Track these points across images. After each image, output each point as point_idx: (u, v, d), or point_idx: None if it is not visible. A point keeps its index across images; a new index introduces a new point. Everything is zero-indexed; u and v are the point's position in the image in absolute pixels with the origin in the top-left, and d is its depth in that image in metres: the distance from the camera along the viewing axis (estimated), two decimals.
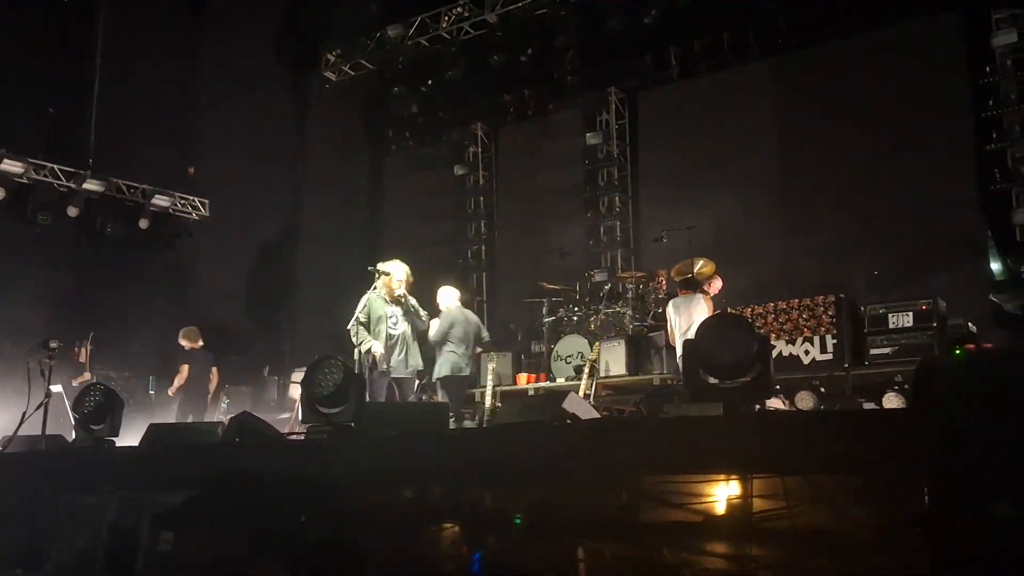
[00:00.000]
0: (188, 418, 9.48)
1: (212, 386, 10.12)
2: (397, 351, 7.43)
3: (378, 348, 7.25)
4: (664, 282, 9.63)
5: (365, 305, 7.37)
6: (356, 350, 7.29)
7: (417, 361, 7.62)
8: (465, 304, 8.65)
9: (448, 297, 8.35)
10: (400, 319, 7.52)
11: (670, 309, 8.08)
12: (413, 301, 7.56)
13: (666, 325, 8.33)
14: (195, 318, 10.60)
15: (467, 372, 8.18)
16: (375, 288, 7.47)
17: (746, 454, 3.26)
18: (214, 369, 10.12)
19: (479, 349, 8.43)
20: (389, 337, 7.41)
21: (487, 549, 3.84)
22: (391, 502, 4.06)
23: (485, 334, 8.45)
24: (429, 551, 3.99)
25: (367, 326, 7.34)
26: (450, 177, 13.88)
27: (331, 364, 4.46)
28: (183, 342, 10.01)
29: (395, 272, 7.43)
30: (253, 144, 12.62)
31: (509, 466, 3.83)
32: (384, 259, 7.66)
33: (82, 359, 9.97)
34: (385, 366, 7.32)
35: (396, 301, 7.46)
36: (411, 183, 14.38)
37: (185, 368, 9.78)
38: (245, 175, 12.64)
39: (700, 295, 8.01)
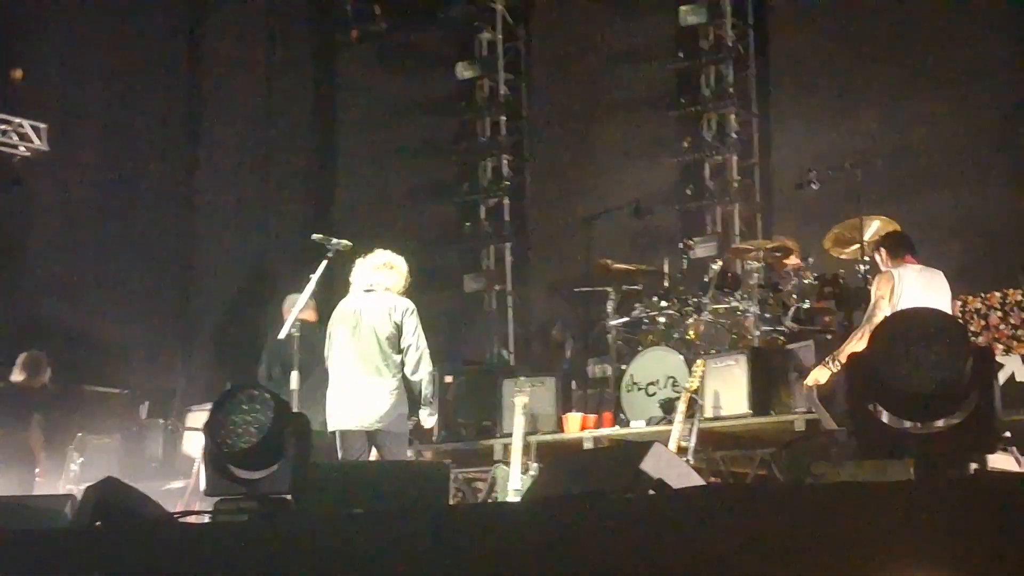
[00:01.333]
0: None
1: (35, 437, 10.33)
2: None
3: None
4: (810, 259, 9.61)
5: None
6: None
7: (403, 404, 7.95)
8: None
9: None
10: None
11: (885, 287, 7.94)
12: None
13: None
14: (21, 321, 10.77)
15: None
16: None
17: (955, 546, 3.25)
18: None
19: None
20: None
21: None
22: None
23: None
24: None
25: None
26: (451, 84, 13.94)
27: (253, 398, 4.50)
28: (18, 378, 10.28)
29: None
30: (119, 38, 12.78)
31: (553, 569, 3.85)
32: (340, 227, 7.82)
33: None
34: None
35: None
36: (383, 95, 14.46)
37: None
38: (106, 86, 12.78)
39: (881, 271, 7.93)
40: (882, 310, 7.53)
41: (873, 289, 7.80)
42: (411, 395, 8.05)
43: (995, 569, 3.21)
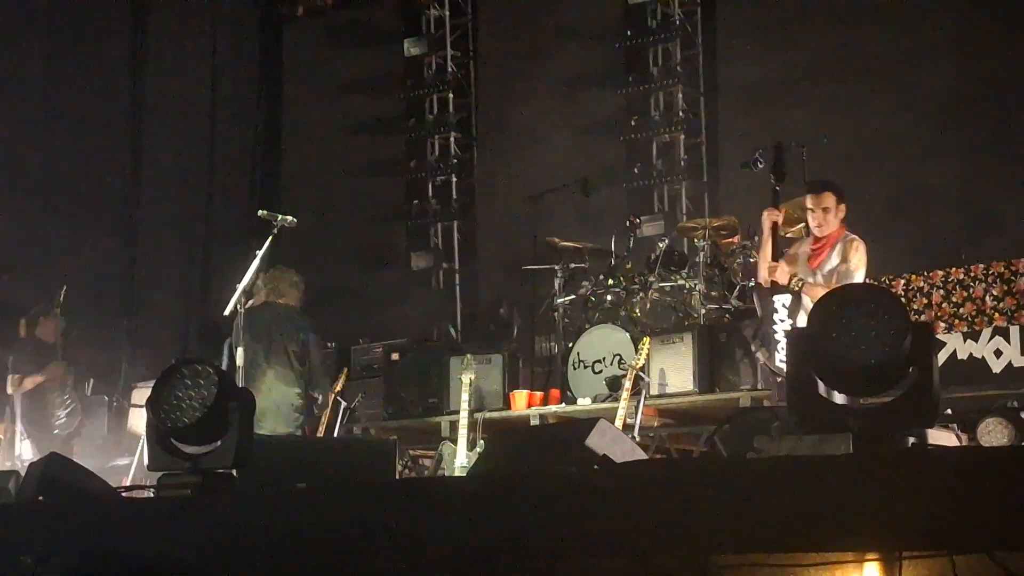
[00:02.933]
0: None
1: None
2: None
3: None
4: (757, 238, 9.67)
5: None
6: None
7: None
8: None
9: None
10: None
11: (863, 257, 7.86)
12: None
13: (767, 303, 8.35)
14: None
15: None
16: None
17: (892, 519, 3.30)
18: None
19: None
20: None
21: None
22: None
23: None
24: None
25: None
26: (398, 60, 13.90)
27: (196, 373, 4.50)
28: None
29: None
30: (60, 7, 12.63)
31: (498, 543, 3.87)
32: (286, 204, 7.83)
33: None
34: None
35: None
36: (329, 71, 14.39)
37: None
38: (47, 57, 12.63)
39: (853, 238, 7.82)
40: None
41: (849, 254, 7.61)
42: None
43: (931, 541, 3.26)
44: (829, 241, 7.64)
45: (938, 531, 3.24)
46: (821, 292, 7.17)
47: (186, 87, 14.37)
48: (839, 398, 3.97)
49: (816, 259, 7.67)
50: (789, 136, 9.44)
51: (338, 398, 9.49)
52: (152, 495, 4.74)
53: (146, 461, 4.83)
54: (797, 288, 7.50)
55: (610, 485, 4.01)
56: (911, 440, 3.88)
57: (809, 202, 7.68)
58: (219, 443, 4.54)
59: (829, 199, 7.63)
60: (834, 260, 7.62)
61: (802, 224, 8.99)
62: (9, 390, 10.55)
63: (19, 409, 10.23)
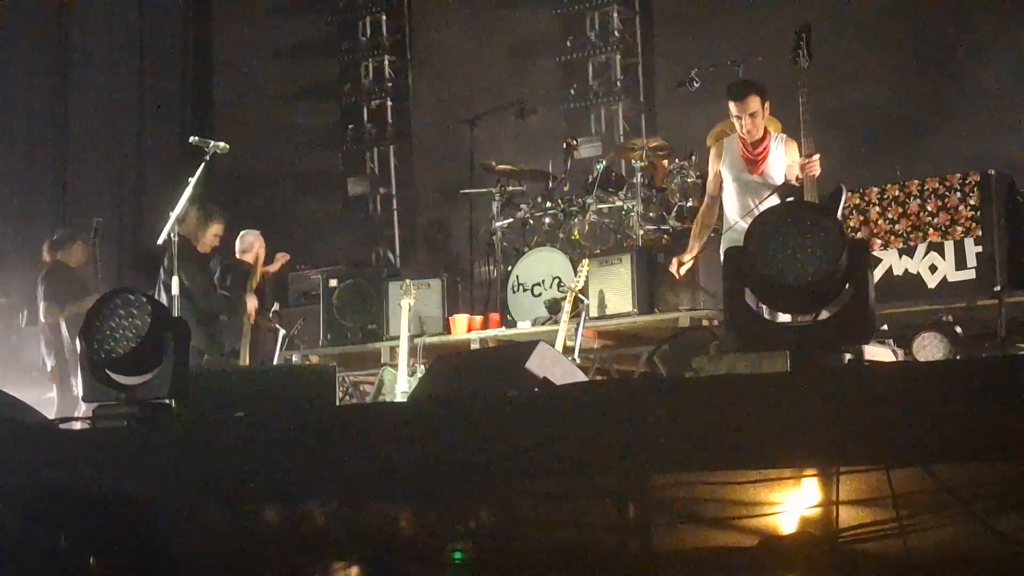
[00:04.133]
0: None
1: None
2: None
3: None
4: (693, 157, 9.68)
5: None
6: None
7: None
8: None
9: None
10: None
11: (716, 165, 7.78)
12: None
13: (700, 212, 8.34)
14: None
15: None
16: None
17: (829, 435, 3.34)
18: None
19: None
20: None
21: None
22: (240, 530, 4.11)
23: None
24: None
25: None
26: None
27: (130, 303, 4.45)
28: None
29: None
30: None
31: (440, 467, 3.88)
32: (219, 130, 7.75)
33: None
34: None
35: None
36: None
37: None
38: None
39: (785, 136, 7.57)
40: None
41: (793, 154, 7.41)
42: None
43: (868, 455, 3.30)
44: (765, 143, 7.48)
45: (874, 445, 3.28)
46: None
47: (114, 12, 14.09)
48: (776, 316, 4.00)
49: (760, 164, 7.47)
50: (722, 56, 9.47)
51: (276, 325, 9.45)
52: (86, 427, 4.70)
53: (80, 392, 4.78)
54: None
55: (550, 407, 4.03)
56: (848, 356, 3.92)
57: (734, 109, 7.45)
58: (154, 373, 4.51)
59: (754, 102, 7.43)
60: (780, 161, 7.45)
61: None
62: (43, 318, 10.24)
63: (67, 341, 10.06)
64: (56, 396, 9.77)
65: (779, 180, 7.38)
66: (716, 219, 7.78)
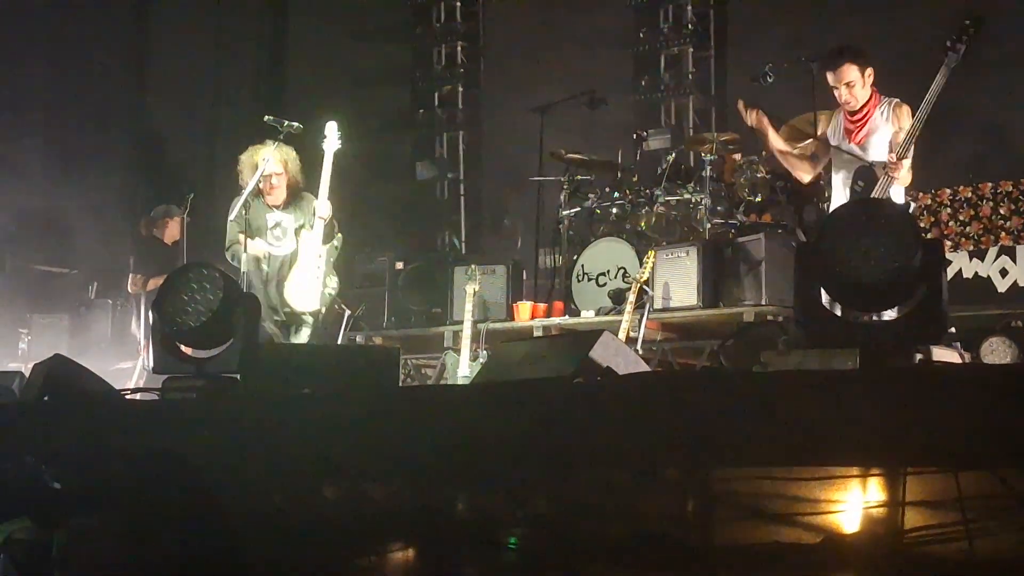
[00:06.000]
0: None
1: None
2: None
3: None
4: (764, 153, 9.61)
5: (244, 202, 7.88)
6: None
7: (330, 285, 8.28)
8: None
9: None
10: (290, 232, 8.19)
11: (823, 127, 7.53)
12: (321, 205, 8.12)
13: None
14: None
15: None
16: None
17: (897, 435, 3.29)
18: None
19: None
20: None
21: None
22: (302, 507, 4.12)
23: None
24: None
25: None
26: None
27: (203, 277, 4.48)
28: None
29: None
30: None
31: (500, 452, 3.87)
32: (292, 110, 7.87)
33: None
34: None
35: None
36: None
37: None
38: None
39: (895, 101, 7.24)
40: None
41: (902, 120, 7.16)
42: None
43: (936, 457, 3.25)
44: (868, 111, 7.23)
45: (943, 448, 3.23)
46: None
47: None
48: (847, 313, 3.95)
49: (857, 133, 7.26)
50: (799, 50, 9.37)
51: (342, 306, 9.50)
52: (155, 398, 4.74)
53: (150, 364, 4.82)
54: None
55: (614, 396, 4.00)
56: (918, 356, 3.87)
57: (830, 79, 7.23)
58: (224, 347, 4.54)
59: (850, 72, 7.14)
60: (885, 129, 7.18)
61: (809, 140, 8.93)
62: (130, 289, 10.76)
63: (144, 311, 10.27)
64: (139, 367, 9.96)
65: (880, 149, 7.12)
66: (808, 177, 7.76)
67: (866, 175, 7.01)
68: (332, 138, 8.24)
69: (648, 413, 3.75)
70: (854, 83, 7.11)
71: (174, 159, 13.93)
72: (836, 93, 7.23)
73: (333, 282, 8.19)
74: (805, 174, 7.72)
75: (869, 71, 7.19)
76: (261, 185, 8.02)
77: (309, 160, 8.32)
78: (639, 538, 3.65)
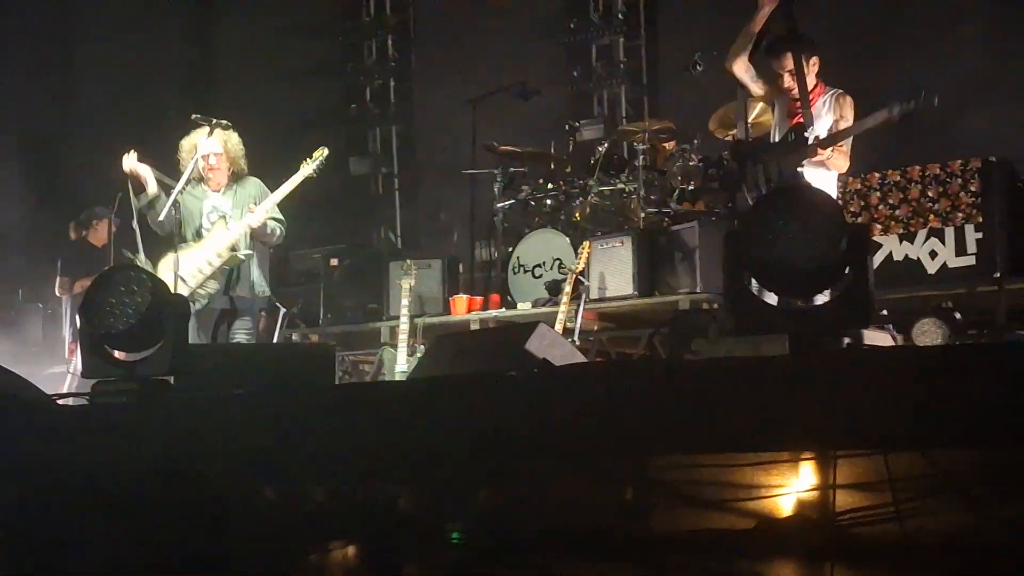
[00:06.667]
0: None
1: None
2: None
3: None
4: (696, 141, 9.68)
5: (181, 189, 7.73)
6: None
7: (262, 284, 8.11)
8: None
9: None
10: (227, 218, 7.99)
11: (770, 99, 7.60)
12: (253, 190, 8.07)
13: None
14: None
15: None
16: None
17: (827, 419, 3.33)
18: None
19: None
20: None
21: None
22: (240, 508, 4.11)
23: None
24: None
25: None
26: None
27: (130, 279, 4.44)
28: None
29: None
30: None
31: (438, 445, 3.88)
32: (220, 107, 7.80)
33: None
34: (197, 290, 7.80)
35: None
36: None
37: None
38: None
39: (840, 92, 7.35)
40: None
41: (844, 110, 7.36)
42: None
43: (866, 440, 3.30)
44: (812, 100, 7.33)
45: (873, 430, 3.28)
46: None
47: None
48: (776, 300, 3.99)
49: (798, 118, 7.36)
50: (726, 40, 9.43)
51: (277, 304, 9.46)
52: (84, 403, 4.69)
53: (79, 369, 4.78)
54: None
55: (549, 387, 4.03)
56: (847, 341, 3.92)
57: (774, 66, 7.33)
58: (154, 349, 4.51)
59: (791, 60, 7.25)
60: (826, 117, 7.33)
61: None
62: (57, 292, 10.76)
63: (69, 314, 10.18)
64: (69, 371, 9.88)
65: (820, 135, 7.24)
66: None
67: (796, 133, 7.18)
68: (314, 163, 8.21)
69: (584, 403, 3.78)
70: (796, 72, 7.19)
71: (101, 159, 13.79)
72: (779, 80, 7.33)
73: (213, 286, 7.93)
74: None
75: (814, 60, 7.31)
76: (201, 167, 7.91)
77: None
78: (578, 528, 3.68)
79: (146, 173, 7.90)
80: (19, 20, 13.56)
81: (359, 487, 4.04)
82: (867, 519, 3.27)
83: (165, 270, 7.65)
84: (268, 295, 8.24)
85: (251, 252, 7.94)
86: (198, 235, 7.91)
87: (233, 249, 7.80)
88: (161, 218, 7.70)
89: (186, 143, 8.01)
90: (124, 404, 4.51)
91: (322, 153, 8.14)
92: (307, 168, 8.15)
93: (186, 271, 7.72)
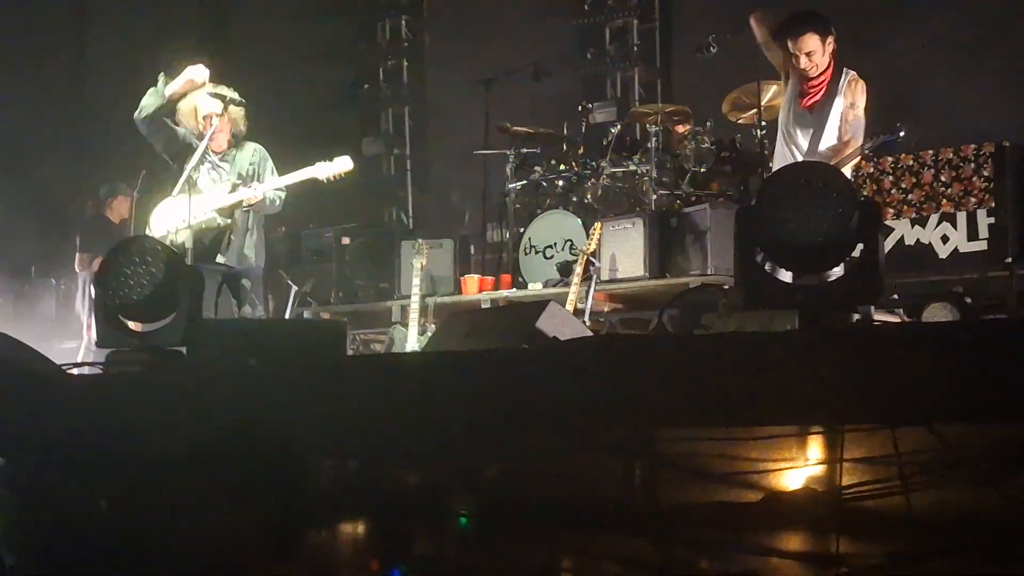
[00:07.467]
0: None
1: None
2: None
3: None
4: (708, 124, 9.67)
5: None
6: None
7: (252, 253, 7.93)
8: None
9: None
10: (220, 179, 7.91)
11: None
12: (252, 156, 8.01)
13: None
14: None
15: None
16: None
17: (835, 393, 3.35)
18: None
19: None
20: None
21: (413, 561, 3.94)
22: (249, 480, 4.12)
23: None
24: (315, 564, 4.09)
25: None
26: None
27: (145, 250, 4.47)
28: None
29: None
30: None
31: (449, 422, 3.90)
32: (235, 86, 7.88)
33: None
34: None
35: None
36: None
37: None
38: None
39: (852, 75, 7.22)
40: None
41: (856, 96, 7.23)
42: None
43: (874, 414, 3.32)
44: (823, 79, 7.21)
45: (880, 405, 3.29)
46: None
47: None
48: (786, 275, 4.01)
49: (810, 98, 7.26)
50: (741, 22, 9.42)
51: (289, 282, 9.49)
52: (99, 373, 4.72)
53: (93, 341, 4.81)
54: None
55: (559, 361, 4.04)
56: (856, 317, 3.93)
57: (789, 46, 7.16)
58: (168, 320, 4.54)
59: (811, 41, 7.08)
60: (838, 101, 7.21)
61: (753, 110, 9.00)
62: (77, 269, 10.78)
63: (87, 290, 10.19)
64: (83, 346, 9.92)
65: (827, 119, 7.19)
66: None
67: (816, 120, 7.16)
68: (331, 172, 7.87)
69: (593, 377, 3.79)
70: (814, 53, 7.08)
71: (118, 138, 13.82)
72: (794, 59, 7.18)
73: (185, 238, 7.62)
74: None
75: (830, 40, 7.15)
76: (201, 127, 7.86)
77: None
78: (586, 501, 3.70)
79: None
80: (33, 4, 13.62)
81: (367, 461, 4.06)
82: (874, 493, 3.29)
83: (158, 216, 7.70)
84: (254, 264, 7.98)
85: (229, 220, 7.79)
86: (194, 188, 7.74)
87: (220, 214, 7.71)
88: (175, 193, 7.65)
89: (184, 105, 7.93)
90: (137, 373, 4.54)
91: (346, 169, 7.88)
92: (322, 170, 7.85)
93: (171, 219, 7.64)
